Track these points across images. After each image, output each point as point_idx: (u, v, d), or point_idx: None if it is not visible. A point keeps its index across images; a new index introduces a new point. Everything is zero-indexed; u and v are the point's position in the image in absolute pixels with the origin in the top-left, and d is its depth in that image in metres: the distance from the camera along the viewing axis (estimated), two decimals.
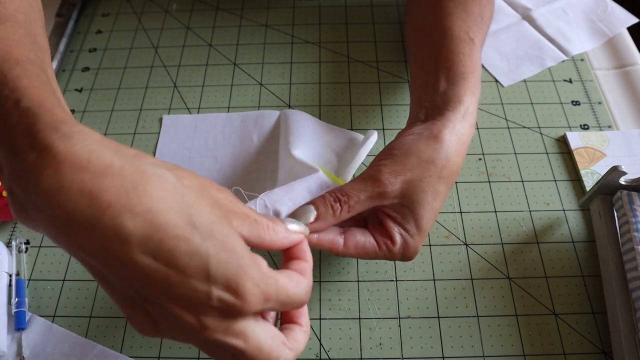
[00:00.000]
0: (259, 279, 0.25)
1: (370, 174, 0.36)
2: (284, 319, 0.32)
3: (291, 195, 0.37)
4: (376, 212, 0.38)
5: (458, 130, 0.38)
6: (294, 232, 0.31)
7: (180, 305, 0.24)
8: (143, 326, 0.26)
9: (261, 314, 0.29)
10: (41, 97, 0.24)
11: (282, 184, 0.45)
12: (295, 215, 0.35)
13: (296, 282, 0.29)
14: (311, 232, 0.35)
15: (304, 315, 0.32)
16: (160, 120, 0.54)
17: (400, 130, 0.40)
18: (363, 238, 0.36)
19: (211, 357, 0.28)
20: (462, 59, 0.42)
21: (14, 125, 0.23)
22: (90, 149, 0.23)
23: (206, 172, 0.50)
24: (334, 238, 0.36)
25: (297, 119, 0.50)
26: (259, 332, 0.27)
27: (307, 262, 0.31)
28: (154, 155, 0.52)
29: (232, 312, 0.25)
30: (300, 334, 0.30)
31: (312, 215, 0.34)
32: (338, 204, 0.35)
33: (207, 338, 0.25)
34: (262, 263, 0.27)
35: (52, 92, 0.26)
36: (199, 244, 0.24)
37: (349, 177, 0.44)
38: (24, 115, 0.23)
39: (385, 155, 0.37)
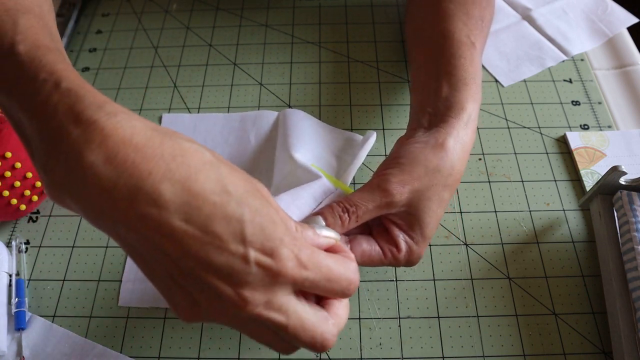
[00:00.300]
0: (295, 245, 0.26)
1: (378, 184, 0.36)
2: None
3: (298, 202, 0.38)
4: (381, 219, 0.38)
5: (462, 138, 0.38)
6: (324, 237, 0.31)
7: (219, 276, 0.24)
8: (184, 309, 0.26)
9: (302, 294, 0.28)
10: (79, 80, 0.26)
11: (278, 185, 0.45)
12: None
13: (341, 261, 0.29)
14: None
15: None
16: (160, 118, 0.54)
17: (402, 135, 0.40)
18: (369, 246, 0.37)
19: (253, 337, 0.28)
20: (464, 63, 0.42)
21: (56, 105, 0.24)
22: (132, 125, 0.24)
23: None
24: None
25: (295, 119, 0.50)
26: (301, 308, 0.27)
27: (347, 254, 0.31)
28: None
29: (271, 277, 0.25)
30: (342, 308, 0.30)
31: (321, 225, 0.35)
32: (346, 214, 0.35)
33: (248, 314, 0.25)
34: (307, 231, 0.28)
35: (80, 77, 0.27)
36: (235, 209, 0.24)
37: (349, 180, 0.44)
38: (66, 95, 0.24)
39: (392, 164, 0.37)
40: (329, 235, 0.31)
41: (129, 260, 0.45)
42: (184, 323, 0.41)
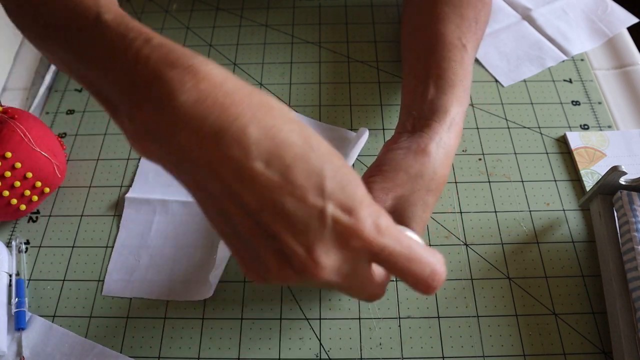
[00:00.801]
0: (375, 211, 0.25)
1: None
2: None
3: None
4: None
5: (444, 142, 0.38)
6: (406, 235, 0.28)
7: (293, 231, 0.24)
8: (254, 271, 0.26)
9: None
10: (168, 39, 0.26)
11: None
12: None
13: (426, 248, 0.27)
14: None
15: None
16: None
17: (387, 140, 0.41)
18: None
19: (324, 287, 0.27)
20: (453, 66, 0.42)
21: (149, 55, 0.25)
22: (224, 73, 0.25)
23: None
24: None
25: None
26: (369, 275, 0.27)
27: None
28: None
29: (347, 237, 0.24)
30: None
31: None
32: None
33: (318, 279, 0.25)
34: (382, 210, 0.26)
35: None
36: (316, 164, 0.24)
37: None
38: (158, 48, 0.25)
39: (375, 172, 0.38)
40: (413, 237, 0.29)
41: (115, 251, 0.45)
42: (183, 323, 0.41)
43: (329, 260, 0.24)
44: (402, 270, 0.26)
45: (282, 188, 0.23)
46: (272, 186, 0.23)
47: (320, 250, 0.24)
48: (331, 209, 0.24)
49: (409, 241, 0.26)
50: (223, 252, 0.40)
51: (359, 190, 0.25)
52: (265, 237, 0.25)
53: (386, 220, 0.25)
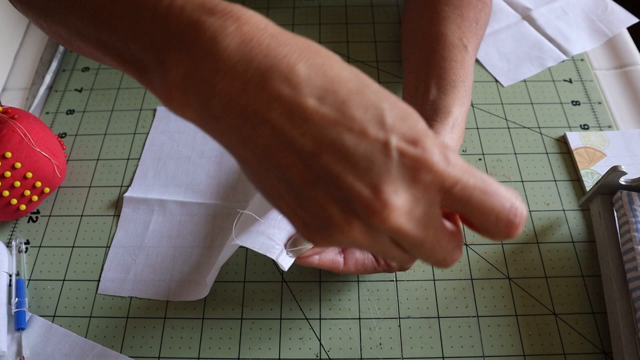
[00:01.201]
0: (440, 143, 0.22)
1: None
2: None
3: (283, 223, 0.38)
4: None
5: (447, 143, 0.39)
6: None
7: (356, 172, 0.21)
8: (316, 229, 0.24)
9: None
10: None
11: None
12: (295, 242, 0.36)
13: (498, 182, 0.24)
14: (313, 254, 0.36)
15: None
16: (154, 111, 0.54)
17: None
18: (362, 255, 0.37)
19: (378, 253, 0.25)
20: (454, 66, 0.42)
21: (183, 6, 0.23)
22: (265, 20, 0.23)
23: (192, 167, 0.50)
24: (334, 258, 0.37)
25: None
26: (442, 225, 0.23)
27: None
28: (143, 145, 0.52)
29: (416, 170, 0.22)
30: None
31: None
32: None
33: (388, 225, 0.22)
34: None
35: None
36: (373, 98, 0.22)
37: None
38: (200, 2, 0.23)
39: None
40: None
41: (112, 250, 0.45)
42: (183, 323, 0.41)
43: (399, 199, 0.22)
44: (480, 206, 0.23)
45: (339, 124, 0.21)
46: (328, 123, 0.21)
47: (388, 188, 0.21)
48: (395, 141, 0.21)
49: (481, 173, 0.23)
50: (226, 252, 0.40)
51: (421, 123, 0.23)
52: (325, 184, 0.22)
53: (454, 154, 0.23)
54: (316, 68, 0.22)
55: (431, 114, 0.40)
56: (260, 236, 0.36)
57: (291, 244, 0.36)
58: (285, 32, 0.23)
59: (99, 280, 0.44)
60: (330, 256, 0.37)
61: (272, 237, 0.36)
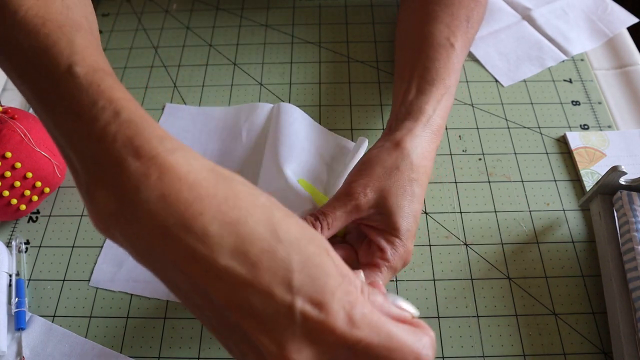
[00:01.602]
0: (350, 302, 0.23)
1: (342, 191, 0.38)
2: None
3: None
4: (361, 230, 0.39)
5: (419, 136, 0.39)
6: (397, 306, 0.27)
7: (263, 329, 0.23)
8: (237, 358, 0.26)
9: None
10: (139, 110, 0.25)
11: (262, 187, 0.45)
12: None
13: (411, 330, 0.25)
14: None
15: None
16: (163, 107, 0.54)
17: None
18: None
19: None
20: (437, 65, 0.43)
21: (115, 135, 0.24)
22: (189, 163, 0.24)
23: None
24: None
25: (289, 119, 0.50)
26: None
27: (424, 328, 0.27)
28: None
29: (318, 332, 0.23)
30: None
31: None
32: (318, 222, 0.36)
33: None
34: (377, 296, 0.25)
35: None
36: (283, 257, 0.23)
37: None
38: (126, 127, 0.24)
39: (354, 171, 0.39)
40: (404, 307, 0.27)
41: (107, 243, 0.45)
42: (183, 323, 0.41)
43: (301, 356, 0.23)
44: (383, 355, 0.24)
45: (249, 284, 0.23)
46: (239, 283, 0.23)
47: (292, 347, 0.23)
48: (300, 304, 0.23)
49: (389, 328, 0.24)
50: None
51: (332, 281, 0.23)
52: (238, 334, 0.24)
53: (362, 311, 0.24)
54: (230, 227, 0.23)
55: (405, 114, 0.41)
56: None
57: None
58: (207, 180, 0.24)
59: (91, 273, 0.44)
60: None
61: None
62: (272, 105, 0.53)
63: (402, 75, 0.45)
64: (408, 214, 0.37)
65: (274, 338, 0.23)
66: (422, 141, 0.39)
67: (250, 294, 0.23)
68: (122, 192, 0.23)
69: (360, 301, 0.24)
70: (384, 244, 0.37)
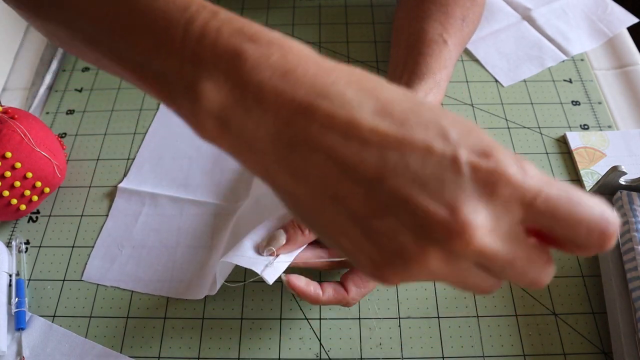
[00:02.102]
0: (513, 155, 0.20)
1: None
2: None
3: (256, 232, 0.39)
4: None
5: None
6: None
7: (428, 192, 0.19)
8: (386, 264, 0.21)
9: None
10: (234, 14, 0.23)
11: (257, 197, 0.45)
12: (268, 240, 0.37)
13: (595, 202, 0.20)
14: (283, 252, 0.37)
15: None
16: (155, 111, 0.54)
17: None
18: (338, 287, 0.37)
19: (458, 285, 0.22)
20: (428, 60, 0.42)
21: (219, 29, 0.22)
22: (307, 48, 0.22)
23: (186, 166, 0.50)
24: (315, 288, 0.37)
25: None
26: (526, 241, 0.21)
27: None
28: (140, 143, 0.52)
29: (492, 185, 0.19)
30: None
31: (283, 238, 0.36)
32: (298, 229, 0.37)
33: (471, 247, 0.19)
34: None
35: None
36: (431, 116, 0.20)
37: None
38: (229, 22, 0.22)
39: None
40: None
41: (100, 238, 0.46)
42: (183, 323, 0.41)
43: (479, 217, 0.19)
44: (568, 218, 0.20)
45: (401, 143, 0.20)
46: (389, 143, 0.20)
47: (466, 207, 0.19)
48: (465, 155, 0.19)
49: (561, 183, 0.20)
50: (219, 271, 0.40)
51: (487, 137, 0.20)
52: (393, 211, 0.20)
53: (529, 164, 0.20)
54: (367, 92, 0.21)
55: None
56: (248, 250, 0.37)
57: (265, 244, 0.37)
58: (328, 61, 0.22)
59: (84, 268, 0.44)
60: (312, 287, 0.36)
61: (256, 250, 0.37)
62: None
63: (394, 72, 0.45)
64: None
65: (442, 200, 0.19)
66: None
67: (405, 154, 0.20)
68: (241, 77, 0.21)
69: (522, 158, 0.21)
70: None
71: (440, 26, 0.45)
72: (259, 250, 0.37)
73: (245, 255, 0.36)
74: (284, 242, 0.36)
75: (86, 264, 0.44)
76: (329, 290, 0.37)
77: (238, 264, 0.36)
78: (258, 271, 0.35)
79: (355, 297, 0.37)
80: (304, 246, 0.38)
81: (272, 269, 0.36)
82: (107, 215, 0.47)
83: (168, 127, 0.53)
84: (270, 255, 0.36)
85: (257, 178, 0.46)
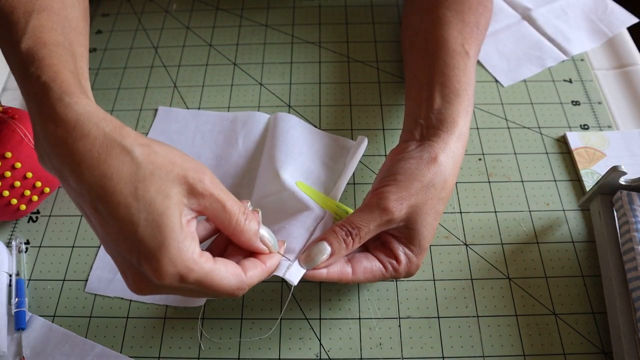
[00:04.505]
0: (180, 260, 0.29)
1: (377, 203, 0.37)
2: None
3: (292, 238, 0.38)
4: (379, 234, 0.38)
5: (453, 152, 0.39)
6: (263, 241, 0.34)
7: (124, 261, 0.30)
8: (128, 284, 0.31)
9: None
10: (56, 73, 0.31)
11: (258, 201, 0.45)
12: (310, 254, 0.36)
13: (231, 274, 0.31)
14: (323, 267, 0.36)
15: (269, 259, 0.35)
16: (156, 111, 0.54)
17: (394, 147, 0.41)
18: (369, 263, 0.37)
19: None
20: (457, 74, 0.42)
21: (35, 95, 0.31)
22: (77, 118, 0.29)
23: None
24: (342, 269, 0.37)
25: (285, 127, 0.49)
26: (210, 268, 0.31)
27: (263, 265, 0.34)
28: None
29: (150, 281, 0.29)
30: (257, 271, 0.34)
31: (327, 252, 0.36)
32: (350, 238, 0.36)
33: (164, 284, 0.29)
34: (195, 247, 0.30)
35: (69, 68, 0.32)
36: (134, 213, 0.28)
37: (341, 190, 0.44)
38: (41, 87, 0.31)
39: (389, 182, 0.37)
40: (268, 242, 0.34)
41: (102, 248, 0.45)
42: (183, 323, 0.41)
43: (171, 268, 0.29)
44: (205, 291, 0.32)
45: (109, 230, 0.29)
46: (103, 227, 0.29)
47: (141, 280, 0.30)
48: (141, 259, 0.29)
49: (211, 276, 0.30)
50: None
51: (168, 242, 0.29)
52: (119, 258, 0.31)
53: (189, 270, 0.29)
54: (97, 179, 0.28)
55: (437, 123, 0.40)
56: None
57: (305, 257, 0.36)
58: (90, 132, 0.29)
59: (86, 280, 0.44)
60: (338, 268, 0.36)
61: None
62: (269, 115, 0.52)
63: (419, 79, 0.44)
64: (430, 232, 0.37)
65: (130, 271, 0.31)
66: (455, 156, 0.39)
67: (111, 237, 0.29)
68: (40, 137, 0.30)
69: (190, 259, 0.29)
70: (402, 256, 0.38)
71: (460, 35, 0.45)
72: (300, 262, 0.36)
73: None
74: (327, 256, 0.36)
75: (89, 275, 0.44)
76: (364, 267, 0.37)
77: None
78: (280, 274, 0.35)
79: (412, 266, 0.38)
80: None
81: (293, 269, 0.35)
82: None
83: (166, 133, 0.52)
84: (314, 269, 0.36)
85: (258, 181, 0.47)
